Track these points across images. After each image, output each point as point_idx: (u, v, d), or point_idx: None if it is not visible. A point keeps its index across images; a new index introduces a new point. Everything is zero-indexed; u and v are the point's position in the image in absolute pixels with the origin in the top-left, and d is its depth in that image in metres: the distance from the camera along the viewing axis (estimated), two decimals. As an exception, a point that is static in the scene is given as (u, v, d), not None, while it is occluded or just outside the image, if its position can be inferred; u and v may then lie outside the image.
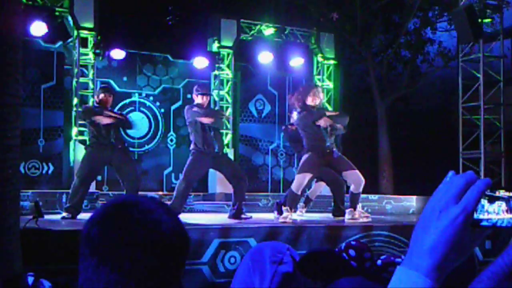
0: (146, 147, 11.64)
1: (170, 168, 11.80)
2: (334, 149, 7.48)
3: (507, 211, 0.92)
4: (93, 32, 10.17)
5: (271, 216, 8.10)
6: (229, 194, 8.52)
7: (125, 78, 11.38)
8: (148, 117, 11.66)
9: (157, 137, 11.76)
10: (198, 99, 7.68)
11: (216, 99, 11.42)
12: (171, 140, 11.87)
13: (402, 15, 14.37)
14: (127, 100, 11.40)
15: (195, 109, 7.60)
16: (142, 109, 11.60)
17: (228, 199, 8.82)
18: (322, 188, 8.88)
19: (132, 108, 11.47)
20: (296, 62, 12.12)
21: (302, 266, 1.93)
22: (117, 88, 11.09)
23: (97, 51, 10.29)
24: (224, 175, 7.81)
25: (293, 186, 7.41)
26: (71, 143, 10.10)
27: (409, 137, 15.96)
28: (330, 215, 8.63)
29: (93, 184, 9.01)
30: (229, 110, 11.42)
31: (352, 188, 7.48)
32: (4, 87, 4.47)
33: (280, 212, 7.49)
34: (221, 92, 11.59)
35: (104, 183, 10.87)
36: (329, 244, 6.28)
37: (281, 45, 12.18)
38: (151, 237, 1.13)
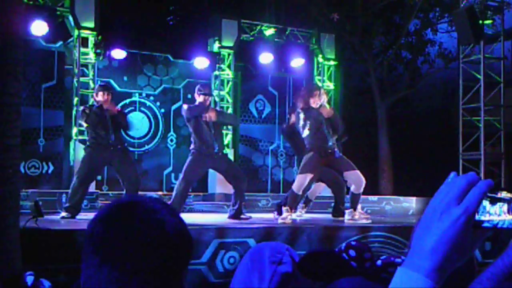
0: (146, 147, 11.65)
1: (170, 168, 11.80)
2: (336, 150, 7.49)
3: (508, 212, 0.91)
4: (94, 32, 10.17)
5: (270, 216, 8.11)
6: (228, 195, 8.53)
7: (125, 78, 11.38)
8: (148, 117, 11.66)
9: (157, 137, 11.76)
10: (200, 99, 7.66)
11: (217, 99, 11.42)
12: (171, 140, 11.88)
13: (403, 16, 14.38)
14: (128, 100, 11.40)
15: (197, 103, 7.55)
16: (142, 109, 11.61)
17: (228, 199, 8.82)
18: (321, 189, 8.88)
19: (133, 108, 11.48)
20: (297, 62, 12.13)
21: (302, 266, 1.93)
22: (118, 88, 11.09)
23: (98, 50, 10.30)
24: (223, 175, 7.80)
25: (294, 186, 7.41)
26: (71, 143, 10.10)
27: (409, 138, 15.95)
28: (329, 215, 8.64)
29: (93, 184, 9.01)
30: (229, 111, 11.42)
31: (352, 188, 7.49)
32: (5, 87, 4.47)
33: (280, 213, 7.49)
34: (222, 93, 11.59)
35: (104, 183, 10.87)
36: (327, 245, 6.29)
37: (282, 46, 12.19)
38: (154, 237, 1.13)
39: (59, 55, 10.65)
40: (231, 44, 11.55)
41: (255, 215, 8.20)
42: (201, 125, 7.48)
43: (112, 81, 11.01)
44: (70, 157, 10.15)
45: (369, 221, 7.54)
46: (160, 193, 10.70)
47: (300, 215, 8.43)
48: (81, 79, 10.21)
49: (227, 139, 11.12)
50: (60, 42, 10.64)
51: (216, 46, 11.52)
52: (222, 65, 11.55)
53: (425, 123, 16.47)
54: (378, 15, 14.13)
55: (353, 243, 2.51)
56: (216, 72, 11.61)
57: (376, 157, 14.54)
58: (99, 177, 10.11)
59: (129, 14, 11.21)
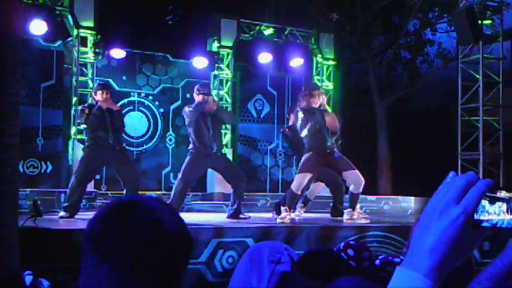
0: (145, 146, 11.64)
1: (169, 168, 11.79)
2: (335, 149, 7.50)
3: (507, 212, 0.91)
4: (93, 31, 10.17)
5: (269, 216, 8.11)
6: (227, 194, 8.52)
7: (124, 78, 11.37)
8: (147, 116, 11.65)
9: (156, 136, 11.75)
10: (199, 99, 7.66)
11: (216, 99, 11.41)
12: (170, 140, 11.87)
13: (402, 16, 14.37)
14: (126, 100, 11.39)
15: (196, 103, 7.56)
16: (141, 108, 11.60)
17: (227, 199, 8.82)
18: (320, 189, 8.89)
19: (131, 107, 11.47)
20: (296, 62, 12.12)
21: (300, 265, 1.93)
22: (117, 87, 11.08)
23: (97, 50, 10.29)
24: (222, 175, 7.80)
25: (293, 186, 7.43)
26: (70, 142, 10.09)
27: (408, 137, 15.95)
28: (328, 215, 8.64)
29: (91, 184, 9.02)
30: (228, 110, 11.41)
31: (351, 188, 7.50)
32: (3, 86, 4.47)
33: (279, 212, 7.50)
34: (221, 92, 11.59)
35: (103, 182, 10.85)
36: (326, 244, 6.29)
37: (281, 45, 12.19)
38: (153, 236, 1.13)
39: (58, 55, 10.64)
40: (230, 44, 11.55)
41: (253, 215, 8.20)
42: (200, 125, 7.48)
43: (111, 81, 10.99)
44: (69, 157, 10.14)
45: (368, 220, 7.54)
46: (158, 192, 10.70)
47: (299, 214, 8.44)
48: (80, 78, 10.20)
49: (226, 138, 11.12)
50: (59, 42, 10.63)
51: (215, 46, 11.51)
52: (221, 65, 11.54)
53: (424, 123, 16.47)
54: (377, 15, 14.12)
55: (351, 242, 2.52)
56: (215, 72, 11.60)
57: (375, 157, 14.54)
58: (97, 177, 10.09)
59: (128, 13, 11.21)
